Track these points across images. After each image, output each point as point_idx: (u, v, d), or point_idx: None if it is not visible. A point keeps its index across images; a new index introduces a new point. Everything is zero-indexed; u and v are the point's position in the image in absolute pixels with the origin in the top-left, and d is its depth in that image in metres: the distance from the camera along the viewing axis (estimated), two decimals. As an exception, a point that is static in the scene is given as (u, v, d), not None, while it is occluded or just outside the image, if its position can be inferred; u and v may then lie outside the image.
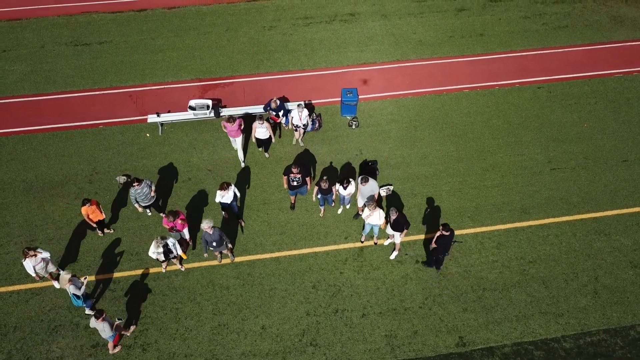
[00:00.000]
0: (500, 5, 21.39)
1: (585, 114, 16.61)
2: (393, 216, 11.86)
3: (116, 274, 12.62)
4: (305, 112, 14.66)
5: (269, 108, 15.18)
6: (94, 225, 12.72)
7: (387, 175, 14.81)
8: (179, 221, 11.93)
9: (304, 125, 14.91)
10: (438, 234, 11.79)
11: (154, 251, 11.51)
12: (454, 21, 20.54)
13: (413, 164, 15.12)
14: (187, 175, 14.81)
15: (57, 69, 18.32)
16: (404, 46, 19.35)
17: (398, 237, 12.43)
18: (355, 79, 18.01)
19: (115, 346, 11.21)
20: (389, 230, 12.49)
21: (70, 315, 11.87)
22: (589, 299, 12.18)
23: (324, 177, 12.55)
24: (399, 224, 11.98)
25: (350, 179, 12.83)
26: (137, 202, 12.67)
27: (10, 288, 12.37)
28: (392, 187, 14.29)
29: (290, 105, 16.11)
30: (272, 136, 14.48)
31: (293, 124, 14.94)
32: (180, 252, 11.89)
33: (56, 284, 12.24)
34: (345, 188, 12.77)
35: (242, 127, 14.35)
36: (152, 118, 15.74)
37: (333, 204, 13.96)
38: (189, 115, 15.84)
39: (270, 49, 19.26)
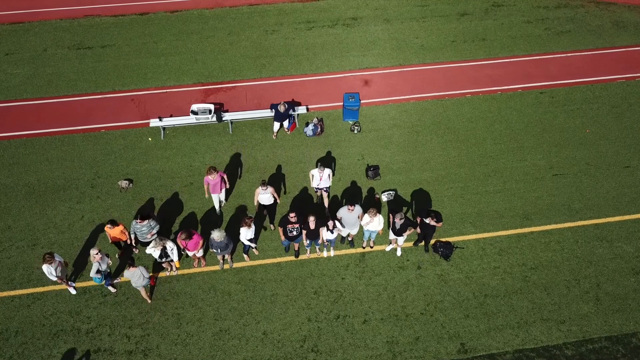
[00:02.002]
0: (502, 10, 21.39)
1: (587, 120, 16.59)
2: (400, 221, 11.86)
3: (118, 279, 12.61)
4: (327, 172, 13.20)
5: (275, 109, 15.29)
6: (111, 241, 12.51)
7: (389, 181, 14.81)
8: (192, 243, 11.84)
9: (326, 187, 13.56)
10: (418, 220, 12.39)
11: (152, 248, 11.59)
12: (457, 26, 20.55)
13: (415, 169, 15.12)
14: (188, 180, 14.81)
15: (59, 73, 18.36)
16: (406, 51, 19.36)
17: (402, 240, 12.55)
18: (357, 83, 18.01)
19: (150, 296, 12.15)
20: (391, 236, 12.50)
21: (72, 320, 11.87)
22: (591, 306, 12.15)
23: (311, 218, 11.74)
24: (405, 228, 12.03)
25: (335, 221, 11.95)
26: (136, 235, 12.16)
27: (12, 292, 12.38)
28: (394, 192, 14.28)
29: (298, 109, 16.25)
30: (278, 199, 13.19)
31: (313, 186, 13.57)
32: (176, 258, 11.92)
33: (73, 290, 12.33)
34: (332, 232, 12.05)
35: (227, 182, 13.37)
36: (154, 122, 15.75)
37: (318, 246, 13.06)
38: (191, 119, 15.86)
39: (272, 53, 19.28)
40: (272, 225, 13.77)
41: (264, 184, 12.69)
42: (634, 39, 19.73)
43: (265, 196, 12.92)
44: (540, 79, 18.08)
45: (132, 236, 12.19)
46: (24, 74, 18.32)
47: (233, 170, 15.06)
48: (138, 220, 11.93)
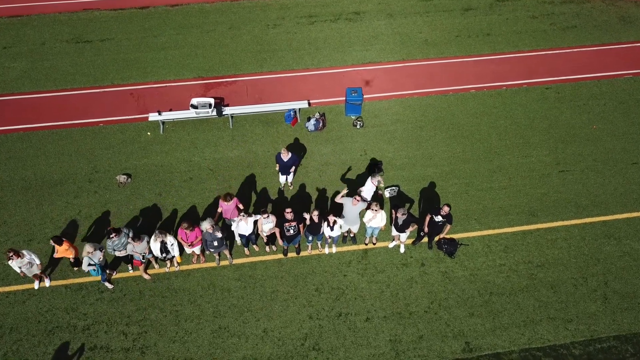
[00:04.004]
0: (507, 4, 21.11)
1: (594, 116, 16.32)
2: (402, 217, 11.59)
3: (115, 275, 12.36)
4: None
5: (279, 159, 13.29)
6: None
7: (392, 176, 14.54)
8: (192, 235, 11.50)
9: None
10: (428, 218, 12.05)
11: (153, 242, 11.37)
12: (461, 21, 20.28)
13: (418, 164, 14.85)
14: (188, 175, 14.56)
15: (57, 66, 18.10)
16: (410, 45, 19.09)
17: (404, 237, 12.29)
18: (359, 78, 17.75)
19: (145, 271, 12.18)
20: (394, 232, 12.25)
21: (68, 317, 11.62)
22: (599, 305, 11.89)
23: (315, 212, 11.39)
24: (407, 224, 11.75)
25: (336, 218, 11.54)
26: (115, 251, 11.48)
27: (7, 288, 12.13)
28: (397, 188, 14.02)
29: (298, 104, 15.88)
30: (278, 236, 12.01)
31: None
32: (177, 253, 11.66)
33: (37, 285, 12.06)
34: (332, 229, 11.67)
35: (241, 207, 12.32)
36: (153, 116, 15.50)
37: (320, 242, 12.81)
38: (190, 113, 15.60)
39: (273, 47, 19.01)
40: (274, 247, 12.87)
41: (265, 212, 11.44)
42: (640, 35, 19.48)
43: (268, 225, 11.72)
44: (546, 74, 17.81)
45: (112, 254, 11.64)
46: (21, 68, 18.07)
47: (234, 166, 14.79)
48: (112, 236, 11.23)
